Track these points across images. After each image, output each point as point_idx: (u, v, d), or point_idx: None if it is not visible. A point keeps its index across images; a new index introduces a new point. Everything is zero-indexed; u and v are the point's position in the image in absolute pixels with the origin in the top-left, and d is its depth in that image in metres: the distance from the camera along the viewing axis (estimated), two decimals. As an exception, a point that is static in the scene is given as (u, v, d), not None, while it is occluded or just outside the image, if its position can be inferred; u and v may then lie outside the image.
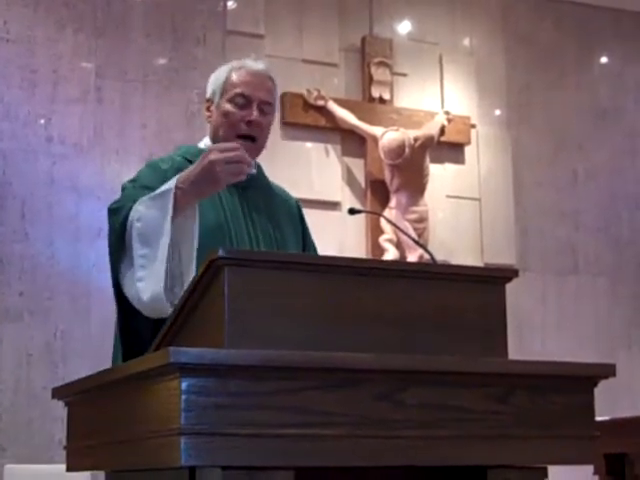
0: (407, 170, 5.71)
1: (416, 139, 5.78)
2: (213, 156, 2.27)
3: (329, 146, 5.75)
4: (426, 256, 4.06)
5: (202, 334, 1.76)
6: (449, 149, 6.03)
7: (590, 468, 3.08)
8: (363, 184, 5.79)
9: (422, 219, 5.75)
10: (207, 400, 1.58)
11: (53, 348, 4.90)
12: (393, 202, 5.71)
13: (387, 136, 5.73)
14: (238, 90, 2.56)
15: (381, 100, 5.87)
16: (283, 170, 5.28)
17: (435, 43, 6.13)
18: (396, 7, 6.08)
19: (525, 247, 6.15)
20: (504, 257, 5.97)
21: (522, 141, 6.27)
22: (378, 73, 5.87)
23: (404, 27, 6.10)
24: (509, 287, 1.95)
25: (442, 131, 5.91)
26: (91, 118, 5.20)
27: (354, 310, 1.78)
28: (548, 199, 6.28)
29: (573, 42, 6.55)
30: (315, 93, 5.67)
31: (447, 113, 5.95)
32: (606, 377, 1.90)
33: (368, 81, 5.87)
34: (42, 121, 5.10)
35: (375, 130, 5.75)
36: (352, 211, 3.00)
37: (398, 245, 5.66)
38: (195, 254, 2.27)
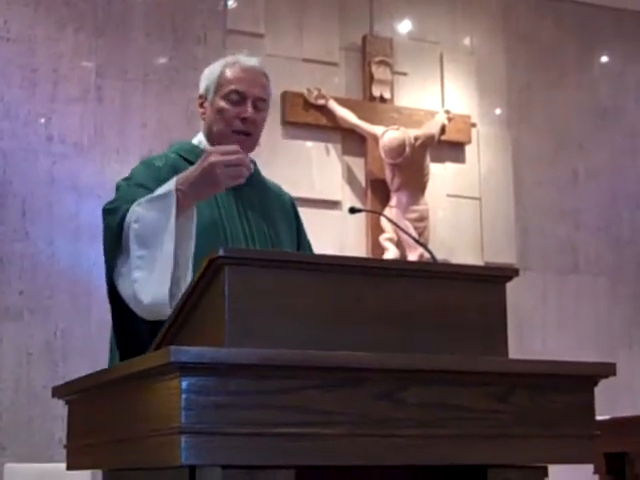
0: (407, 169, 5.71)
1: (416, 138, 5.78)
2: (213, 158, 2.26)
3: (329, 145, 5.74)
4: (426, 255, 4.05)
5: (202, 333, 1.76)
6: (449, 148, 6.03)
7: (590, 467, 3.08)
8: (363, 183, 5.79)
9: (422, 218, 5.75)
10: (207, 399, 1.58)
11: (53, 347, 4.90)
12: (393, 201, 5.71)
13: (388, 135, 5.73)
14: (232, 87, 2.55)
15: (382, 99, 5.87)
16: (283, 169, 5.28)
17: (436, 42, 6.12)
18: (396, 6, 6.08)
19: (525, 246, 6.15)
20: (504, 256, 5.96)
21: (522, 140, 6.27)
22: (379, 72, 5.87)
23: (405, 26, 6.10)
24: (509, 286, 1.95)
25: (442, 130, 5.91)
26: (91, 117, 5.20)
27: (354, 309, 1.78)
28: (548, 198, 6.28)
29: (574, 41, 6.55)
30: (315, 92, 5.67)
31: (447, 112, 5.95)
32: (606, 376, 1.89)
33: (369, 80, 5.87)
34: (42, 120, 5.10)
35: (376, 129, 5.75)
36: (352, 210, 3.00)
37: (398, 244, 5.66)
38: (192, 255, 2.26)
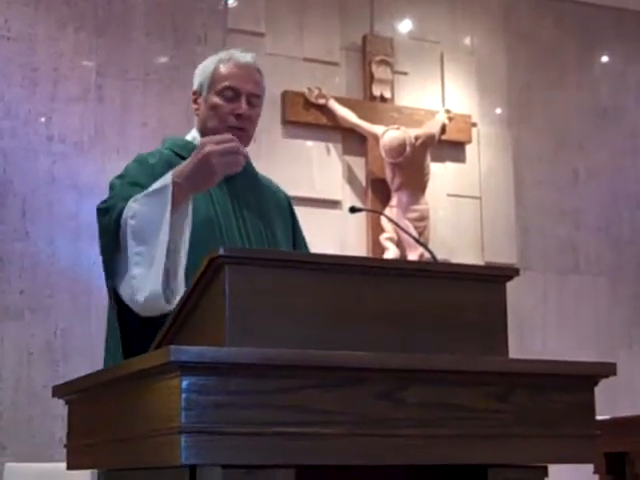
0: (408, 169, 5.72)
1: (417, 138, 5.78)
2: (208, 148, 2.25)
3: (330, 145, 5.74)
4: (427, 255, 4.05)
5: (203, 333, 1.75)
6: (450, 148, 6.03)
7: (590, 467, 3.08)
8: (364, 183, 5.79)
9: (423, 218, 5.75)
10: (207, 399, 1.58)
11: (53, 346, 4.90)
12: (394, 201, 5.71)
13: (388, 135, 5.73)
14: (226, 83, 2.54)
15: (382, 99, 5.87)
16: (284, 168, 5.29)
17: (436, 42, 6.12)
18: (397, 5, 6.08)
19: (526, 246, 6.15)
20: (505, 256, 5.97)
21: (523, 140, 6.27)
22: (379, 72, 5.87)
23: (405, 26, 6.10)
24: (510, 286, 1.95)
25: (443, 130, 5.91)
26: (92, 117, 5.20)
27: (354, 309, 1.78)
28: (549, 198, 6.28)
29: (574, 41, 6.55)
30: (316, 92, 5.67)
31: (448, 112, 5.95)
32: (606, 376, 1.89)
33: (369, 80, 5.87)
34: (43, 119, 5.10)
35: (376, 129, 5.75)
36: (353, 210, 3.00)
37: (399, 244, 5.66)
38: (187, 250, 2.26)
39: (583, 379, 1.88)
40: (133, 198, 2.29)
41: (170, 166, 2.42)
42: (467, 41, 6.24)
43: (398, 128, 5.76)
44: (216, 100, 2.55)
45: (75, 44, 5.23)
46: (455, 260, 5.62)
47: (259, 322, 1.70)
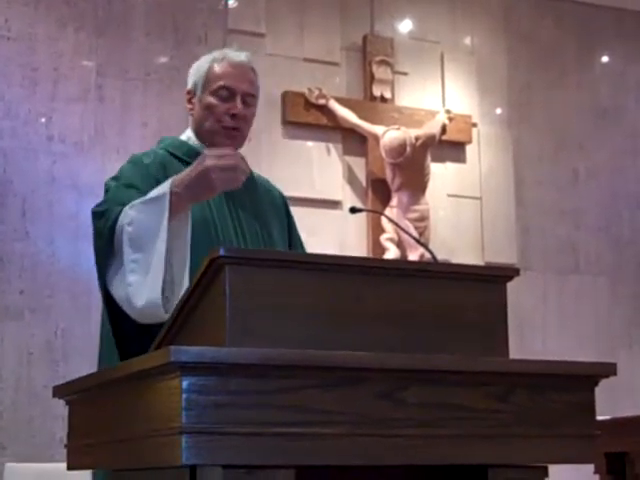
0: (408, 169, 5.71)
1: (417, 138, 5.78)
2: (209, 162, 2.24)
3: (330, 145, 5.74)
4: (427, 255, 4.05)
5: (203, 333, 1.76)
6: (450, 148, 6.03)
7: (591, 467, 3.08)
8: (364, 183, 5.79)
9: (423, 218, 5.74)
10: (208, 399, 1.58)
11: (54, 346, 4.90)
12: (394, 201, 5.71)
13: (388, 135, 5.73)
14: (221, 82, 2.53)
15: (382, 99, 5.87)
16: (284, 169, 5.29)
17: (436, 42, 6.12)
18: (397, 6, 6.08)
19: (526, 246, 6.15)
20: (505, 256, 5.96)
21: (523, 140, 6.27)
22: (379, 72, 5.87)
23: (405, 26, 6.10)
24: (510, 286, 1.95)
25: (443, 130, 5.91)
26: (92, 117, 5.19)
27: (354, 309, 1.78)
28: (549, 198, 6.28)
29: (574, 41, 6.55)
30: (316, 92, 5.67)
31: (448, 112, 5.95)
32: (607, 376, 1.89)
33: (369, 80, 5.87)
34: (43, 119, 5.10)
35: (376, 129, 5.75)
36: (353, 210, 3.00)
37: (399, 244, 5.66)
38: (188, 259, 2.25)
39: (583, 379, 1.88)
40: (130, 204, 2.28)
41: (164, 166, 2.42)
42: (467, 41, 6.24)
43: (398, 128, 5.76)
44: (211, 100, 2.54)
45: (75, 44, 5.22)
46: (455, 260, 5.62)
47: (259, 322, 1.70)
